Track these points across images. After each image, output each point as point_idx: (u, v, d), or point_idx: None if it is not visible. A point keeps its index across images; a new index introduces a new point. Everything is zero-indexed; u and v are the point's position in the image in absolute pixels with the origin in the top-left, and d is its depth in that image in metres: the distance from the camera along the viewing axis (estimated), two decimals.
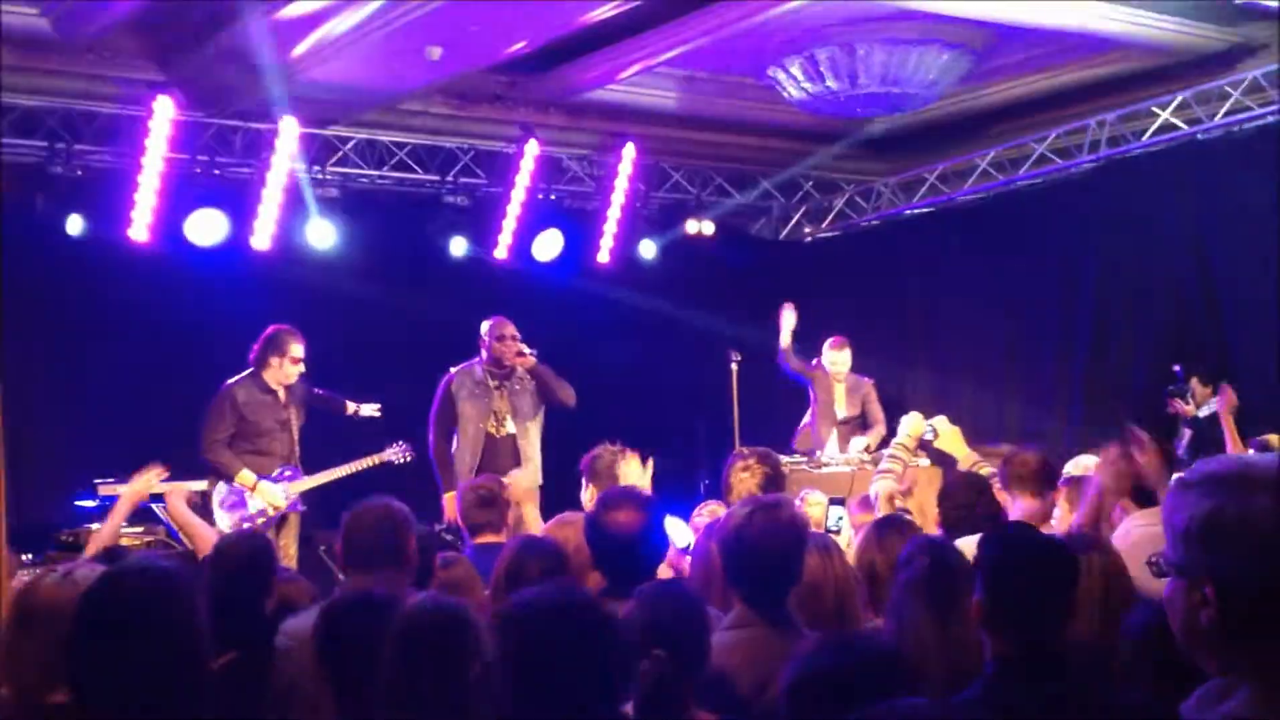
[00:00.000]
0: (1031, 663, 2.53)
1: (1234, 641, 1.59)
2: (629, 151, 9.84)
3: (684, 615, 2.77)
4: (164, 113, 7.93)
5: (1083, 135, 9.33)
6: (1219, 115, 8.53)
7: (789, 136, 10.26)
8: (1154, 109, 8.86)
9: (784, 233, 11.64)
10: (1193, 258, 9.04)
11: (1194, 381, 8.46)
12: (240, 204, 8.55)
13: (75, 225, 8.20)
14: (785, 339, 9.21)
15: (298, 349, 6.97)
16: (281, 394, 7.02)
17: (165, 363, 8.37)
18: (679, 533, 4.94)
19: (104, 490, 6.45)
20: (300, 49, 7.48)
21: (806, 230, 11.58)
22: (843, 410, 9.20)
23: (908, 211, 10.78)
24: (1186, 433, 8.36)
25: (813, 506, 5.75)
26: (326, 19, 7.12)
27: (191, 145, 8.43)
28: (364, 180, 9.33)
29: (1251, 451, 6.47)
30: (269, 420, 6.98)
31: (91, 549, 4.97)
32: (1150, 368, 9.17)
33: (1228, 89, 8.42)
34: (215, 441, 6.79)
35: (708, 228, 10.77)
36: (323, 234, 8.93)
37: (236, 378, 6.96)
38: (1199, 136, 8.71)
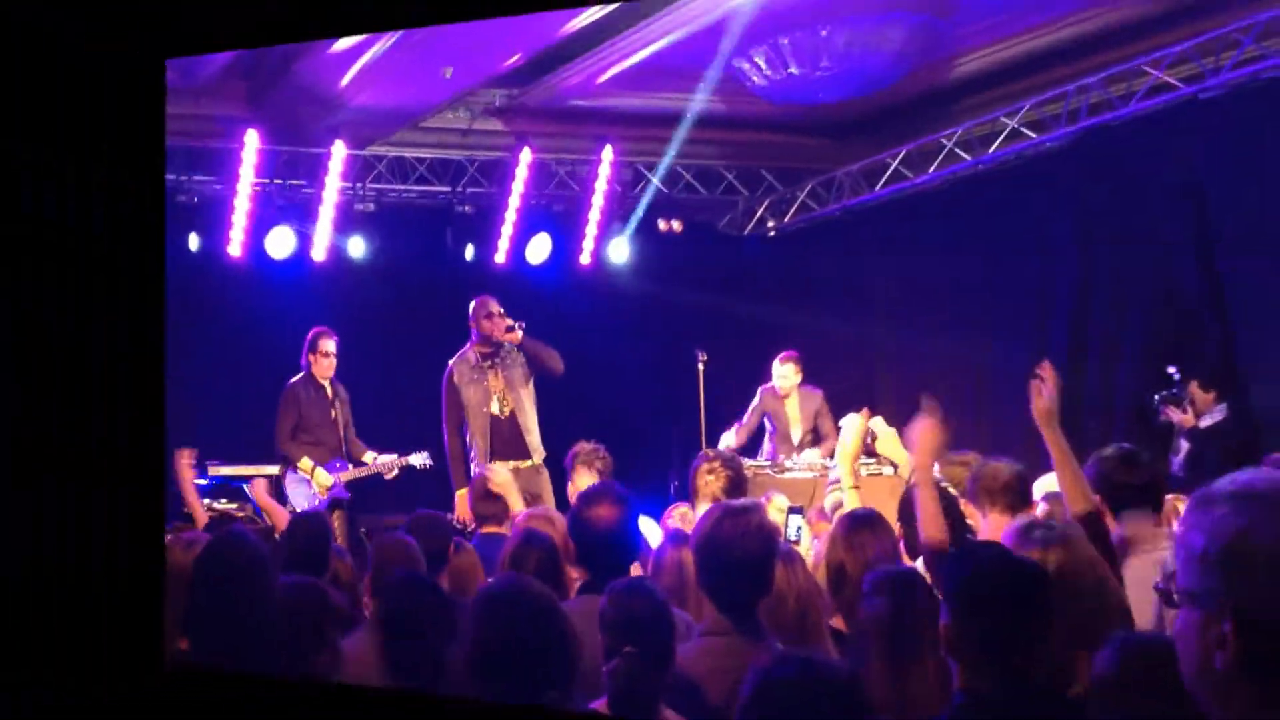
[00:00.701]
0: (1005, 698, 2.29)
1: (1254, 689, 1.34)
2: (607, 154, 10.14)
3: (652, 614, 2.75)
4: (252, 144, 9.40)
5: (1060, 105, 8.37)
6: (1225, 68, 7.26)
7: (751, 128, 10.16)
8: (1145, 68, 7.70)
9: (748, 227, 11.41)
10: (1193, 241, 7.86)
11: (1193, 386, 7.51)
12: (303, 220, 9.91)
13: (194, 243, 9.82)
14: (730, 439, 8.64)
15: (328, 344, 7.94)
16: (329, 390, 7.97)
17: (255, 358, 9.32)
18: (651, 534, 4.92)
19: (213, 471, 7.99)
20: (346, 79, 8.57)
21: (770, 224, 11.19)
22: (797, 430, 8.83)
23: (872, 200, 10.10)
24: (1184, 445, 7.45)
25: (776, 512, 5.39)
26: (364, 50, 8.05)
27: (269, 170, 9.82)
28: (394, 194, 10.40)
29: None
30: (319, 415, 7.92)
31: (200, 521, 6.09)
32: (1140, 370, 8.15)
33: (1237, 36, 7.19)
34: (283, 434, 7.84)
35: (677, 226, 10.99)
36: (358, 246, 10.15)
37: (296, 377, 7.97)
38: (1200, 96, 7.43)
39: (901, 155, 9.70)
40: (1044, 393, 3.79)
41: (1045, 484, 4.40)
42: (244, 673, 3.19)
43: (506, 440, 7.31)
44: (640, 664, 2.59)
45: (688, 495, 5.13)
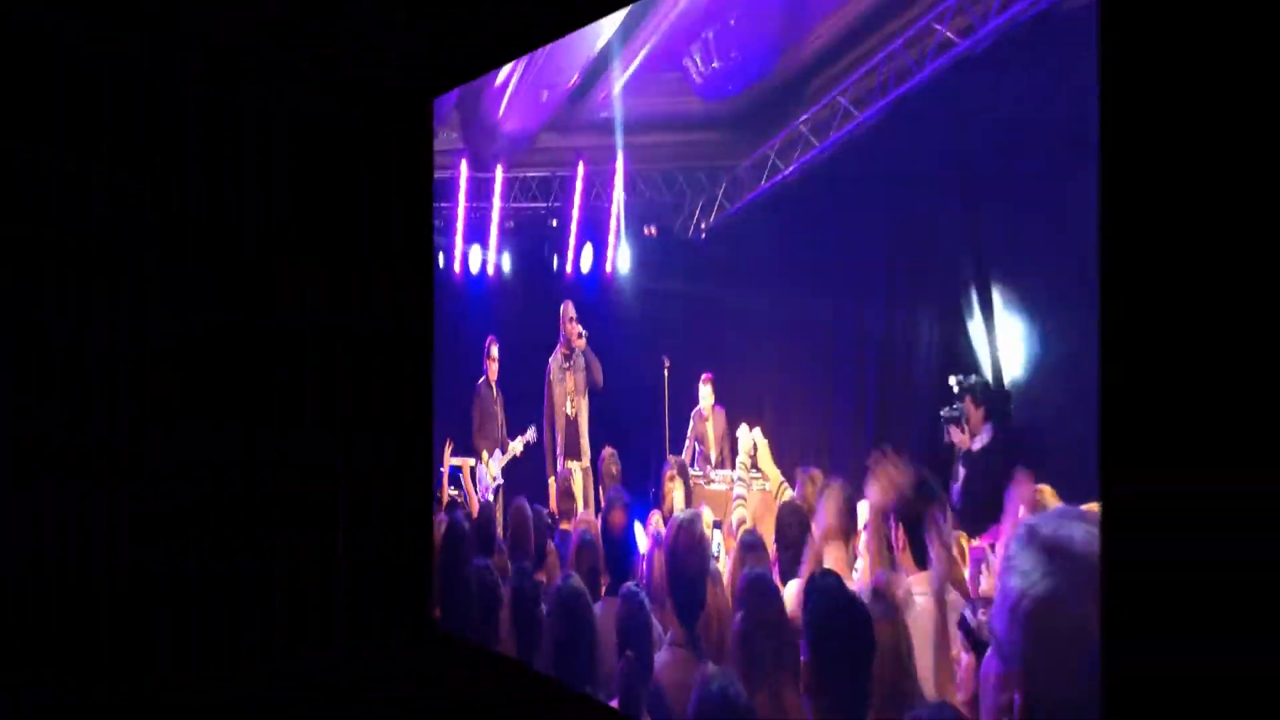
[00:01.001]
0: None
1: None
2: (580, 170, 8.94)
3: (644, 620, 2.78)
4: (464, 173, 10.16)
5: (874, 77, 7.67)
6: (991, 14, 6.41)
7: (688, 128, 8.95)
8: (933, 24, 7.26)
9: (690, 229, 10.62)
10: (968, 222, 5.98)
11: (968, 401, 6.03)
12: (483, 239, 10.50)
13: (440, 261, 10.55)
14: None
15: (494, 350, 8.80)
16: (495, 391, 8.78)
17: (459, 364, 9.82)
18: (641, 540, 5.01)
19: (450, 461, 8.71)
20: (501, 108, 9.53)
21: (702, 225, 10.24)
22: (713, 449, 8.10)
23: (760, 195, 8.63)
24: (961, 472, 5.98)
25: (705, 527, 5.09)
26: (509, 80, 8.99)
27: (469, 194, 10.41)
28: (525, 212, 10.59)
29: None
30: (489, 411, 8.76)
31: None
32: (933, 379, 6.20)
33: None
34: (474, 429, 8.66)
35: (652, 230, 10.56)
36: (504, 260, 10.53)
37: (481, 379, 8.81)
38: (976, 50, 5.81)
39: (777, 146, 8.51)
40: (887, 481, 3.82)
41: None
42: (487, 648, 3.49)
43: (570, 440, 7.83)
44: (638, 667, 2.59)
45: (658, 503, 5.32)
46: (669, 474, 4.76)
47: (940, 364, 6.30)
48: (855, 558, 3.90)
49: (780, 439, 5.06)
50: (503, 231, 10.49)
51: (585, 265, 10.04)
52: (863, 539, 4.00)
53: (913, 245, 6.90)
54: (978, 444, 5.79)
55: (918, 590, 3.43)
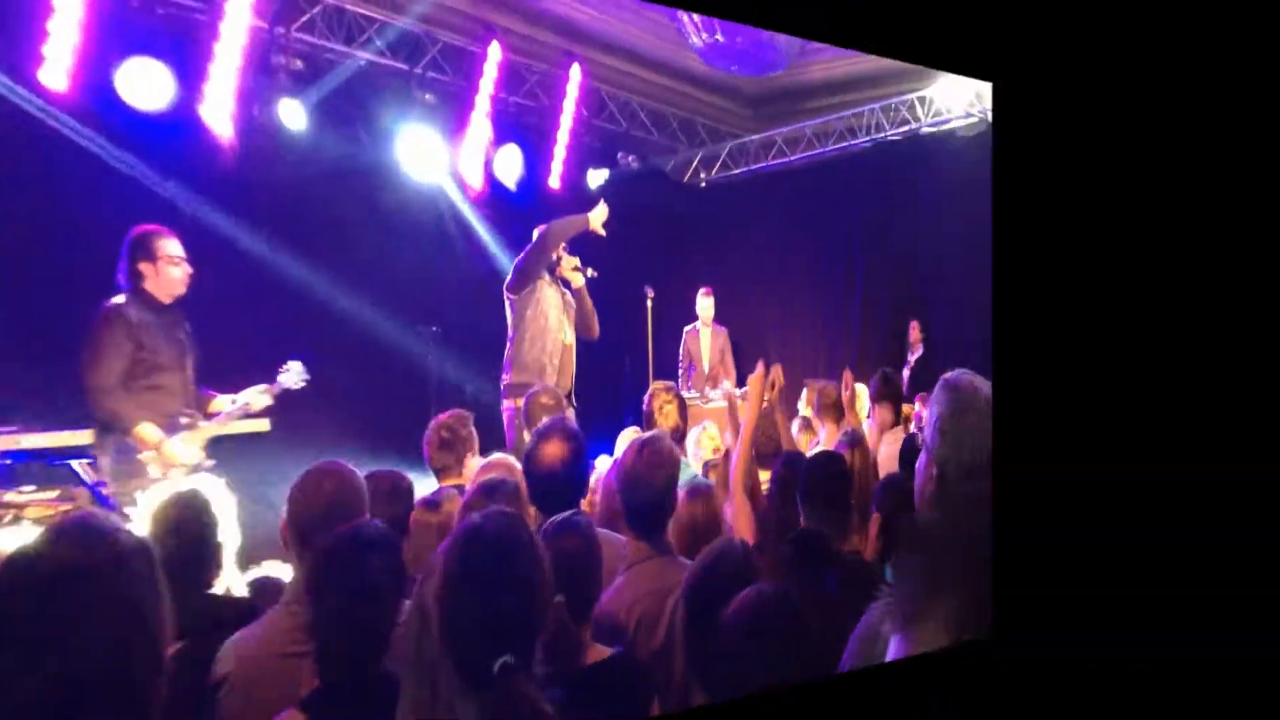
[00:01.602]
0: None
1: (942, 507, 1.98)
2: (575, 73, 9.46)
3: (580, 555, 2.70)
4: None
5: (861, 120, 10.97)
6: (927, 117, 10.51)
7: (691, 81, 10.84)
8: (873, 111, 10.86)
9: (687, 176, 12.38)
10: (909, 239, 10.83)
11: (915, 325, 10.47)
12: (189, 58, 7.18)
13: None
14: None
15: (172, 245, 5.44)
16: (176, 314, 5.50)
17: (81, 260, 6.20)
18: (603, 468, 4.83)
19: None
20: None
21: (702, 176, 12.43)
22: (706, 362, 9.70)
23: (765, 170, 11.94)
24: (906, 372, 10.21)
25: (708, 440, 5.99)
26: None
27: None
28: (330, 55, 8.34)
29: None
30: (165, 352, 5.35)
31: None
32: (890, 328, 11.03)
33: (929, 97, 10.40)
34: (108, 378, 5.15)
35: (634, 163, 11.28)
36: (295, 115, 7.93)
37: (118, 298, 5.29)
38: (920, 132, 10.70)
39: (784, 134, 11.72)
40: (768, 389, 4.84)
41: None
42: None
43: (566, 365, 6.97)
44: (567, 612, 2.54)
45: (641, 424, 5.33)
46: (665, 397, 5.03)
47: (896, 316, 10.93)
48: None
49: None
50: (259, 67, 7.80)
51: (503, 171, 9.29)
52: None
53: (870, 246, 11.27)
54: (916, 353, 10.29)
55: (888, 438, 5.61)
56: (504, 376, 6.75)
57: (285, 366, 5.73)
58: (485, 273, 8.28)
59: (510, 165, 9.29)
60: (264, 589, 3.39)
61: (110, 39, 6.67)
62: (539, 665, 2.08)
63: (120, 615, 1.66)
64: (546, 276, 6.80)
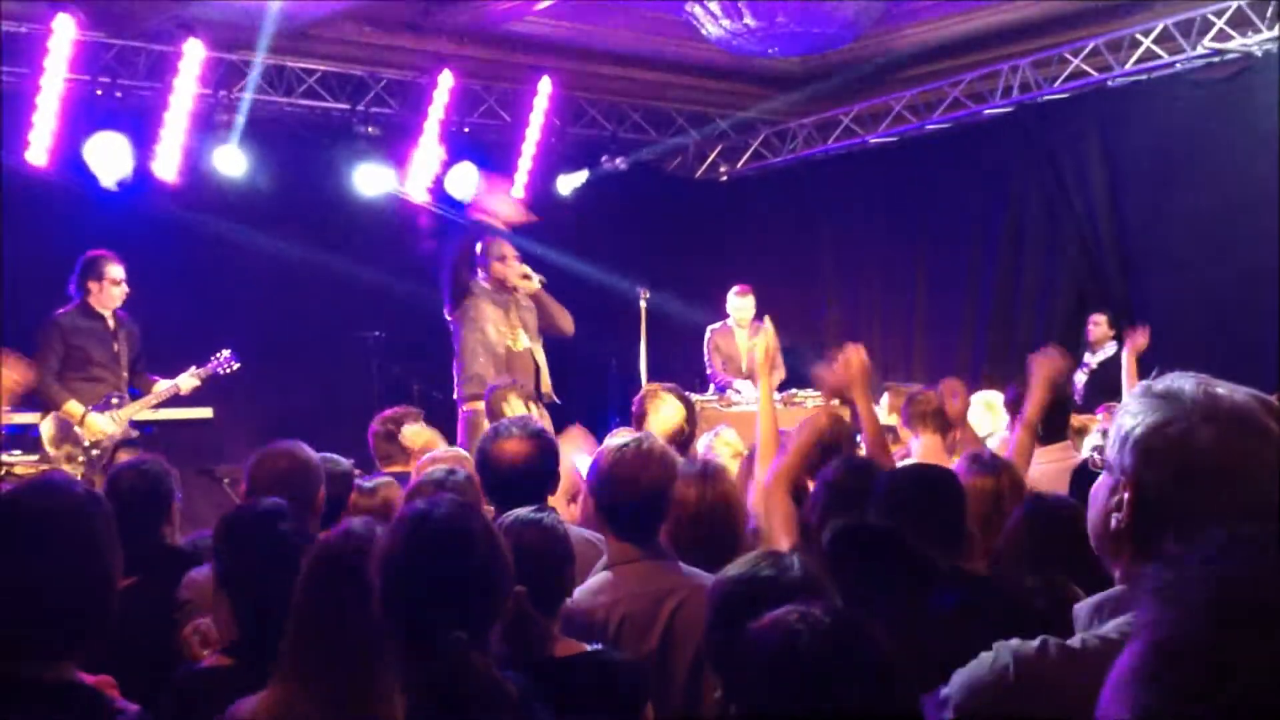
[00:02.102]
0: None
1: (1133, 546, 1.62)
2: (545, 86, 9.69)
3: (542, 549, 2.68)
4: (64, 31, 7.78)
5: (996, 80, 9.45)
6: (1129, 63, 8.68)
7: (705, 74, 10.36)
8: (1066, 55, 8.98)
9: (700, 171, 11.73)
10: (1101, 204, 9.27)
11: (1101, 319, 8.79)
12: (144, 129, 8.32)
13: None
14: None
15: (116, 270, 6.94)
16: (110, 322, 6.97)
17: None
18: (586, 468, 4.70)
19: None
20: None
21: (722, 169, 11.70)
22: (748, 363, 9.13)
23: (821, 153, 10.88)
24: (1080, 376, 8.64)
25: (723, 446, 5.23)
26: None
27: (93, 66, 8.23)
28: (272, 107, 9.08)
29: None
30: (98, 350, 6.90)
31: None
32: (1054, 312, 9.52)
33: (1139, 36, 8.55)
34: (44, 369, 6.59)
35: (622, 165, 10.82)
36: (234, 161, 8.70)
37: (62, 309, 6.90)
38: (1109, 84, 8.89)
39: (853, 113, 10.55)
40: (851, 364, 4.33)
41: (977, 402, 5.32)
42: None
43: (519, 370, 7.00)
44: (529, 604, 2.48)
45: (630, 425, 5.17)
46: (675, 397, 5.03)
47: (1064, 299, 9.52)
48: (954, 443, 5.14)
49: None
50: (205, 127, 8.74)
51: (458, 187, 9.49)
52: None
53: (1038, 202, 9.79)
54: (1101, 356, 8.72)
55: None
56: (455, 391, 7.24)
57: (216, 354, 7.26)
58: (428, 283, 8.07)
59: (465, 182, 9.51)
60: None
61: (79, 118, 8.18)
62: (498, 646, 2.22)
63: (76, 549, 2.05)
64: (481, 291, 7.14)
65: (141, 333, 7.14)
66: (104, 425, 6.71)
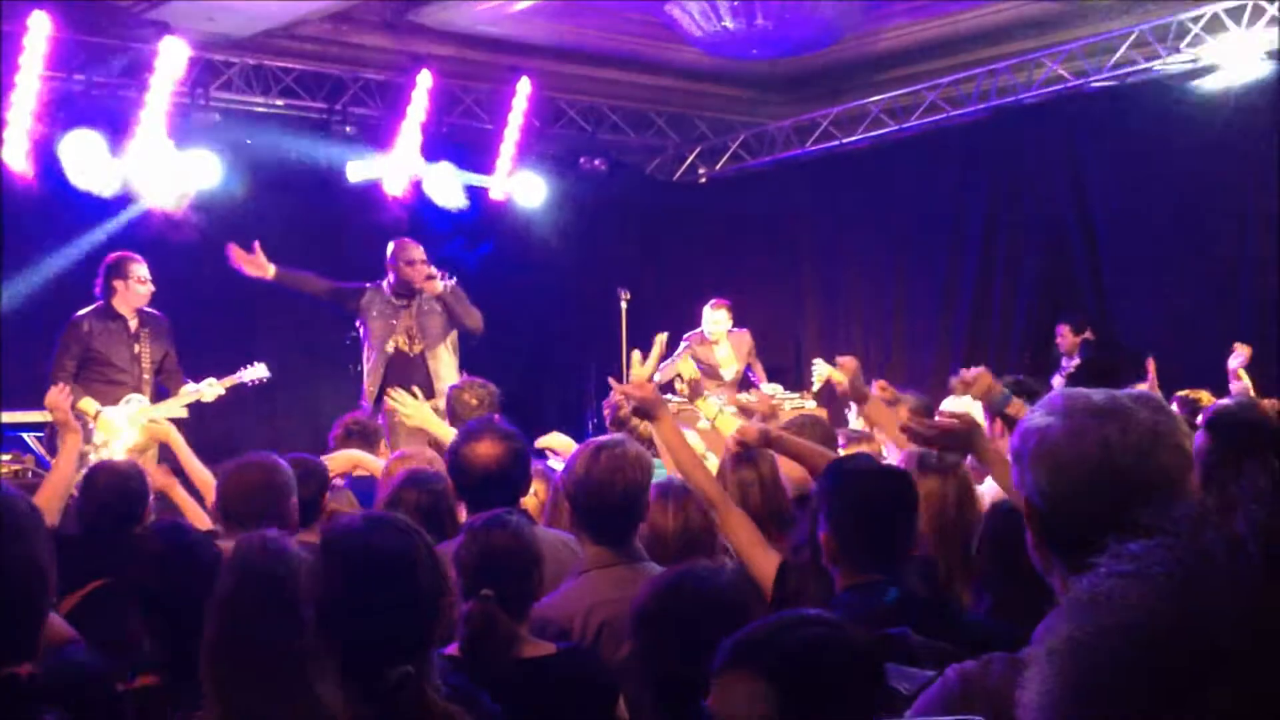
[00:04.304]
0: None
1: (1059, 562, 1.59)
2: (524, 86, 9.68)
3: (509, 551, 2.66)
4: (40, 29, 7.68)
5: (973, 84, 9.48)
6: (1106, 68, 8.75)
7: (684, 76, 10.42)
8: (1043, 59, 9.04)
9: (678, 173, 11.80)
10: (1075, 208, 9.34)
11: (1065, 329, 8.70)
12: (120, 128, 8.17)
13: None
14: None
15: (140, 269, 6.97)
16: (132, 323, 6.98)
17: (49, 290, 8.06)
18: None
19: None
20: None
21: (701, 171, 11.72)
22: (729, 372, 9.18)
23: (800, 155, 10.87)
24: (1057, 380, 8.42)
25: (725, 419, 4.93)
26: None
27: (69, 64, 8.18)
28: (249, 106, 9.10)
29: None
30: (118, 352, 6.91)
31: None
32: (1030, 316, 9.59)
33: (1115, 42, 8.60)
34: (59, 371, 6.69)
35: (601, 166, 10.89)
36: (206, 164, 8.54)
37: (85, 310, 6.94)
38: (1086, 88, 8.94)
39: (832, 116, 10.56)
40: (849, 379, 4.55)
41: (948, 406, 4.88)
42: None
43: (410, 374, 6.93)
44: (495, 606, 2.48)
45: (607, 430, 5.15)
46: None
47: (1039, 302, 9.53)
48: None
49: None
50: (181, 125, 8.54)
51: (439, 190, 9.50)
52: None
53: (1013, 205, 9.85)
54: (1073, 363, 8.48)
55: None
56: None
57: (251, 364, 7.29)
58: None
59: (443, 181, 9.59)
60: None
61: (55, 116, 8.10)
62: (459, 655, 2.39)
63: (17, 554, 2.04)
64: (374, 294, 7.25)
65: (172, 329, 7.16)
66: (116, 423, 6.70)
